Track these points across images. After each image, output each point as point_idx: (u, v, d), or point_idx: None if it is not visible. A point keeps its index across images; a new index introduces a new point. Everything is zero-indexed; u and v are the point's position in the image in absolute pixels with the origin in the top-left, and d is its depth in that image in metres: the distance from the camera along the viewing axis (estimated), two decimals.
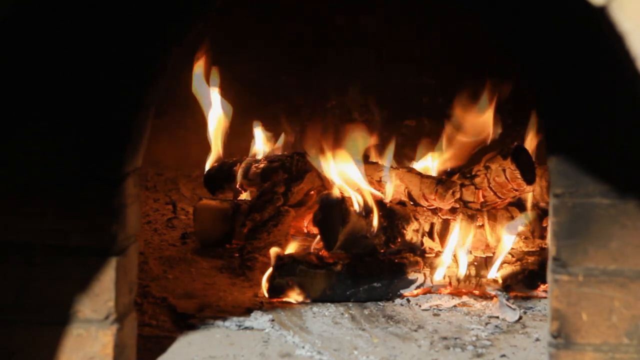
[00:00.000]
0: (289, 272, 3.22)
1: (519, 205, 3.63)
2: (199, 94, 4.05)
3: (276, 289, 3.23)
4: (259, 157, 4.04)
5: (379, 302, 3.25)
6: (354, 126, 3.77)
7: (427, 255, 3.43)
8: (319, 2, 4.71)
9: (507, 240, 3.42)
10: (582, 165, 2.31)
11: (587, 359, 2.34)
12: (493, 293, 3.26)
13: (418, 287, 3.31)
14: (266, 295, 3.24)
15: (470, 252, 3.41)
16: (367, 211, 3.43)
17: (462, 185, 3.59)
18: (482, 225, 3.56)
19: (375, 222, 3.42)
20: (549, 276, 2.37)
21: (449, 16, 4.59)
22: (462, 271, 3.31)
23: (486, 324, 3.08)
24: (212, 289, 3.33)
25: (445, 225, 3.52)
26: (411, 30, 4.69)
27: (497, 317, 3.13)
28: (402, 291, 3.29)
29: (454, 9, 4.26)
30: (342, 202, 3.42)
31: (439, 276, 3.31)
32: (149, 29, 2.42)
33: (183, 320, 3.02)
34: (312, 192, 3.83)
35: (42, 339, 2.46)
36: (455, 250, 3.37)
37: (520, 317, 3.13)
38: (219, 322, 3.00)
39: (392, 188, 3.60)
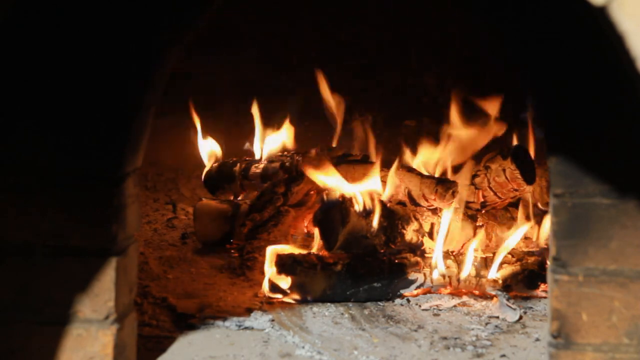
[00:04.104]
0: (289, 272, 3.22)
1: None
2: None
3: (276, 289, 3.23)
4: (259, 157, 4.04)
5: (379, 302, 3.24)
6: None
7: (427, 255, 3.43)
8: (319, 3, 4.71)
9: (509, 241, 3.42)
10: (582, 165, 2.31)
11: (587, 359, 2.34)
12: (493, 293, 3.26)
13: (418, 287, 3.31)
14: (266, 295, 3.24)
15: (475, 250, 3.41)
16: (367, 211, 3.43)
17: None
18: (482, 225, 3.57)
19: (375, 222, 3.42)
20: (549, 276, 2.37)
21: (448, 16, 4.59)
22: (467, 271, 3.31)
23: (486, 324, 3.08)
24: (212, 289, 3.33)
25: None
26: (411, 31, 4.70)
27: (497, 317, 3.13)
28: (402, 291, 3.28)
29: (454, 9, 4.27)
30: (342, 202, 3.42)
31: (435, 275, 3.31)
32: (149, 29, 2.42)
33: (183, 320, 3.02)
34: (312, 192, 3.83)
35: (42, 339, 2.46)
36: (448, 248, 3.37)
37: (520, 317, 3.12)
38: (219, 322, 3.00)
39: (391, 188, 3.60)
